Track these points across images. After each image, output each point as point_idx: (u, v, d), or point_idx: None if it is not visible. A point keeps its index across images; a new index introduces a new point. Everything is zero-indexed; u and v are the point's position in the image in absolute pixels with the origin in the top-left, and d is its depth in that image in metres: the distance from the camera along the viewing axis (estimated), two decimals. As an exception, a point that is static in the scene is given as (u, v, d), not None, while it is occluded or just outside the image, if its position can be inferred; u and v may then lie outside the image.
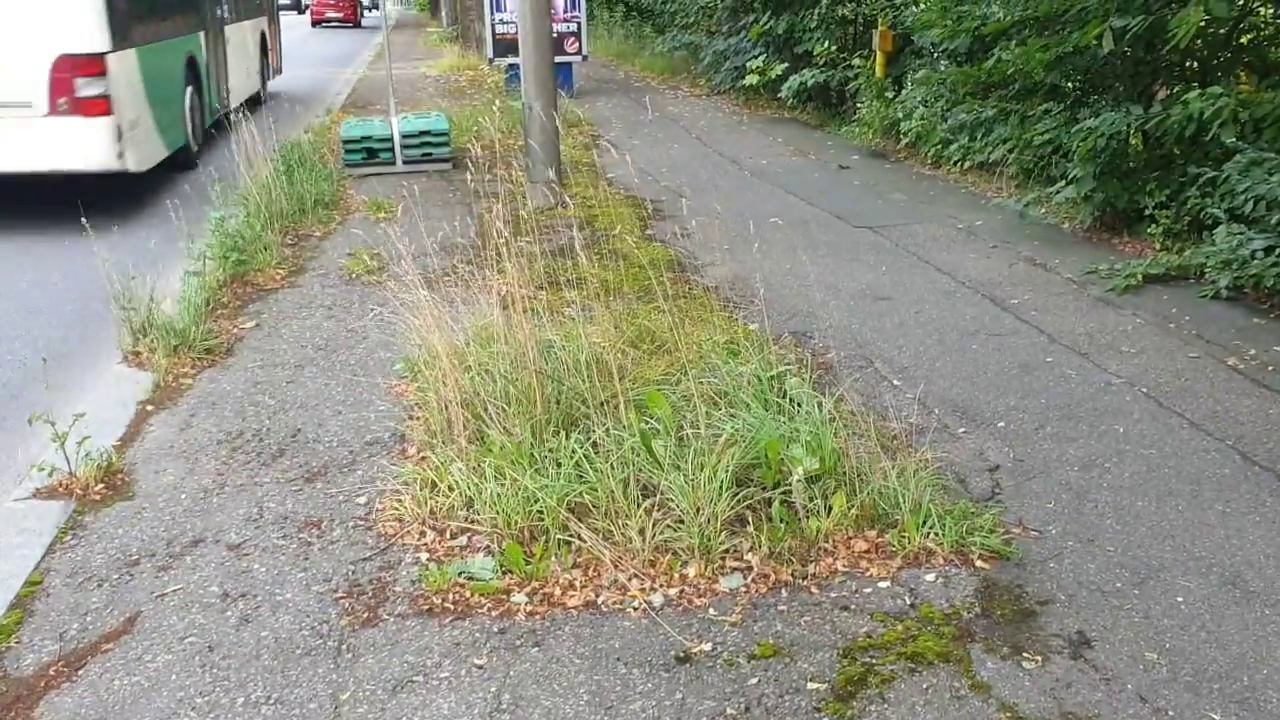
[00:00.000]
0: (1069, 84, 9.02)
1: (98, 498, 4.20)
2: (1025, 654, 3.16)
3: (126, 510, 4.11)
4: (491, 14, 16.21)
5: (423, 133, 10.64)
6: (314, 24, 42.98)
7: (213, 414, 4.97)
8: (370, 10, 50.31)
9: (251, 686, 3.09)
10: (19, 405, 5.11)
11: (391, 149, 10.56)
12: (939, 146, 10.68)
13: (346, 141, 10.54)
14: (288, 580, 3.63)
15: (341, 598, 3.53)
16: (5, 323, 6.41)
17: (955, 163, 10.34)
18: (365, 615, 3.44)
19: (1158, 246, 7.27)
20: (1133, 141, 7.84)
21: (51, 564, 3.75)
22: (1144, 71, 8.15)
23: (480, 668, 3.16)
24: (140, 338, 5.59)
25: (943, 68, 11.18)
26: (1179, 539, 3.78)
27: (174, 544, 3.87)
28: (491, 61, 17.02)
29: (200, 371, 5.47)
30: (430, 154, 10.65)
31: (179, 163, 10.31)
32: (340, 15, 43.66)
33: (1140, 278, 6.67)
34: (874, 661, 3.13)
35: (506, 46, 15.43)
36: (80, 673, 3.16)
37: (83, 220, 6.17)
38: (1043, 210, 8.48)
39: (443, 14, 36.84)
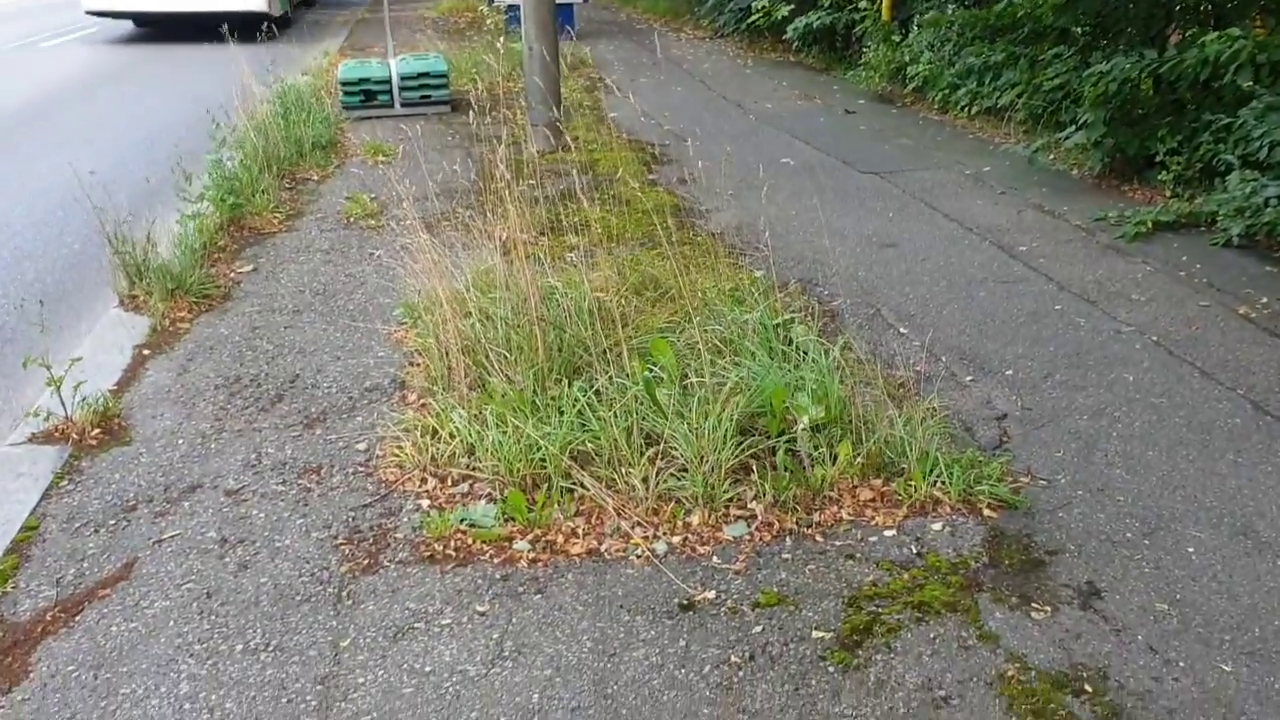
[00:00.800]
0: (1079, 28, 8.84)
1: (94, 443, 4.15)
2: (1034, 604, 3.12)
3: (123, 455, 4.07)
4: (491, -46, 15.91)
5: (421, 75, 10.47)
6: None
7: (210, 359, 4.90)
8: None
9: (250, 633, 3.06)
10: (14, 349, 5.05)
11: (390, 91, 10.40)
12: (946, 91, 10.50)
13: (344, 83, 10.36)
14: (287, 526, 3.59)
15: (341, 544, 3.49)
16: (1, 265, 6.32)
17: (963, 108, 10.18)
18: (366, 562, 3.40)
19: (1168, 194, 7.16)
20: (1144, 86, 7.69)
21: (48, 509, 3.71)
22: (1157, 14, 7.98)
23: (482, 614, 3.13)
24: (136, 281, 5.51)
25: (950, 11, 10.98)
26: (1189, 489, 3.74)
27: (171, 489, 3.82)
28: (491, 3, 16.75)
29: (198, 316, 5.40)
30: (429, 96, 10.49)
31: (283, 20, 15.81)
32: None
33: (1150, 225, 6.56)
34: (880, 610, 3.09)
35: (506, -13, 15.17)
36: (77, 619, 3.13)
37: (69, 164, 6.07)
38: (1051, 156, 8.35)
39: (442, -45, 36.22)
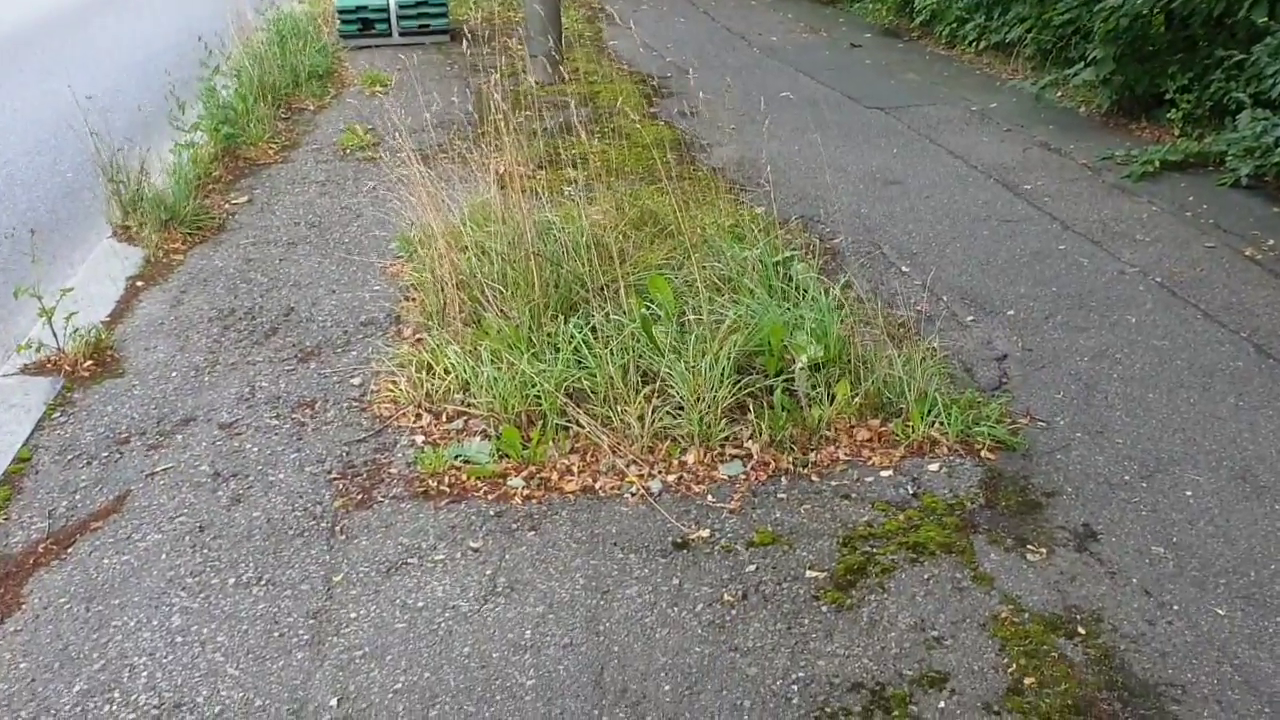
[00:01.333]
0: (1091, -39, 8.65)
1: (87, 374, 4.12)
2: (1030, 546, 3.11)
3: (116, 388, 4.04)
4: (492, -121, 15.53)
5: (420, 3, 10.27)
6: None
7: (204, 291, 4.86)
8: None
9: (243, 567, 3.05)
10: (5, 278, 5.00)
11: (388, 20, 10.21)
12: (954, 25, 10.31)
13: (341, 11, 10.18)
14: (280, 461, 3.57)
15: (335, 479, 3.47)
16: (-8, 195, 6.25)
17: (970, 43, 10.00)
18: (359, 497, 3.38)
19: (1177, 133, 7.05)
20: (1155, 22, 7.54)
21: (40, 440, 3.69)
22: (1173, -52, 7.80)
23: (475, 551, 3.12)
24: (130, 212, 5.44)
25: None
26: (1189, 432, 3.71)
27: (164, 422, 3.80)
28: (492, -70, 16.38)
29: (192, 248, 5.34)
30: (428, 25, 10.30)
31: None
32: None
33: (1157, 164, 6.47)
34: (874, 551, 3.08)
35: (508, -86, 14.83)
36: (69, 551, 3.12)
37: (69, 87, 5.97)
38: (1059, 93, 8.22)
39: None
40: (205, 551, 3.11)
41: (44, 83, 8.86)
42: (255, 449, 3.64)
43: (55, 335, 4.19)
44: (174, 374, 4.13)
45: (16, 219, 5.83)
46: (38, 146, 7.11)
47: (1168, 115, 7.19)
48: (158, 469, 3.52)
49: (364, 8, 10.14)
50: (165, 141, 6.42)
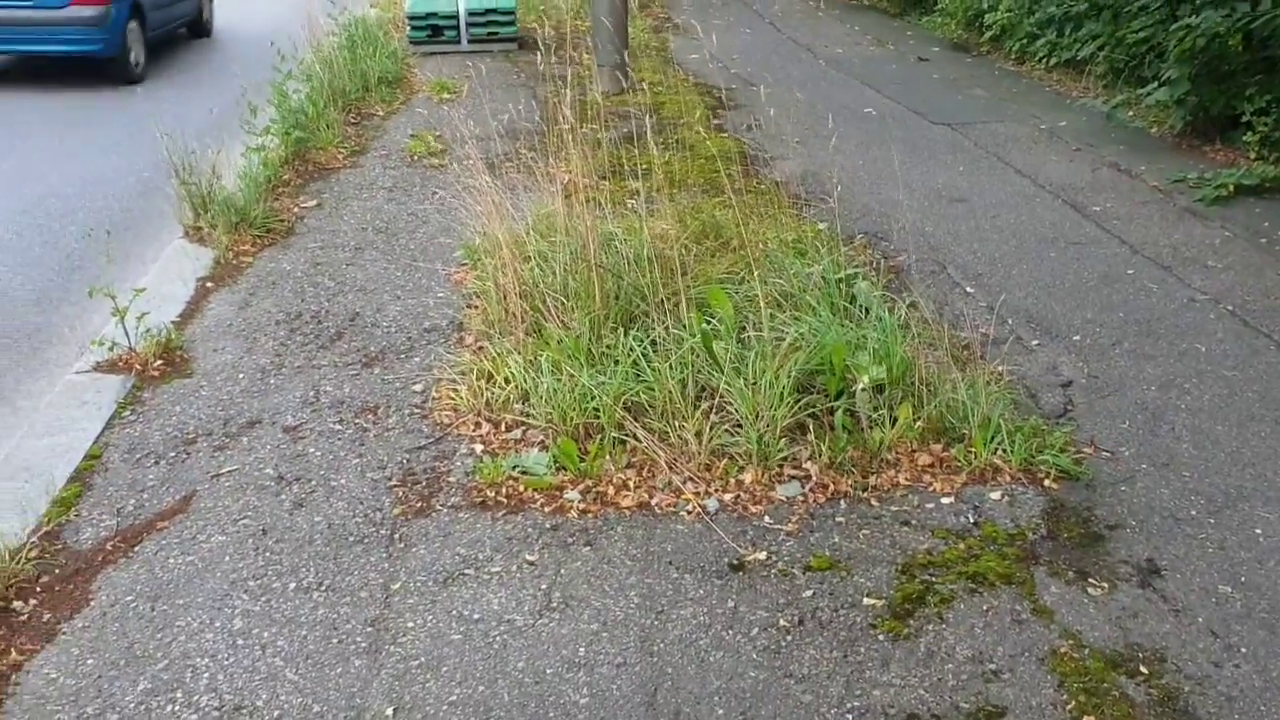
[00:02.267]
0: (1168, -23, 8.51)
1: (156, 374, 4.20)
2: (1091, 580, 3.06)
3: (185, 388, 4.12)
4: (563, -113, 15.63)
5: (489, 11, 10.37)
6: None
7: (272, 294, 4.94)
8: None
9: (304, 572, 3.09)
10: (81, 277, 5.12)
11: (457, 27, 10.33)
12: (1024, 41, 10.20)
13: (412, 17, 10.31)
14: (343, 466, 3.62)
15: (395, 486, 3.51)
16: (70, 192, 6.41)
17: (1040, 59, 9.88)
18: (418, 505, 3.42)
19: (1252, 156, 6.89)
20: (1233, 42, 7.39)
21: (110, 439, 3.77)
22: (1254, -34, 7.64)
23: (531, 564, 3.13)
24: (201, 213, 5.55)
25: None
26: (1260, 467, 3.62)
27: (231, 424, 3.87)
28: (561, -63, 16.48)
29: (261, 250, 5.44)
30: (496, 33, 10.40)
31: None
32: None
33: (1232, 188, 6.34)
34: (933, 579, 3.05)
35: (577, -78, 14.92)
36: (136, 549, 3.18)
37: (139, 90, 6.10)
38: (1131, 113, 8.08)
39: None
40: (267, 555, 3.16)
41: (120, 85, 9.06)
42: (318, 453, 3.69)
43: (127, 334, 4.29)
44: (241, 375, 4.20)
45: (92, 217, 5.97)
46: (115, 147, 7.28)
47: (1244, 138, 7.04)
48: (223, 470, 3.58)
49: (434, 14, 10.25)
50: (237, 144, 6.54)
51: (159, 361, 4.27)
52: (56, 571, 3.10)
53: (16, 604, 2.96)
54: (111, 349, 4.27)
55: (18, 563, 3.06)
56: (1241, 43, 7.24)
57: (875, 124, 7.85)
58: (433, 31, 10.30)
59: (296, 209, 6.01)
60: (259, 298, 4.89)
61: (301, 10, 8.75)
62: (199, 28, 11.75)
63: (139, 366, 4.23)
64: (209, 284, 5.03)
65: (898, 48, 11.14)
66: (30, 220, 5.96)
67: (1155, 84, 7.63)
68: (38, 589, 3.03)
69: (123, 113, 7.88)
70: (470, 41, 10.34)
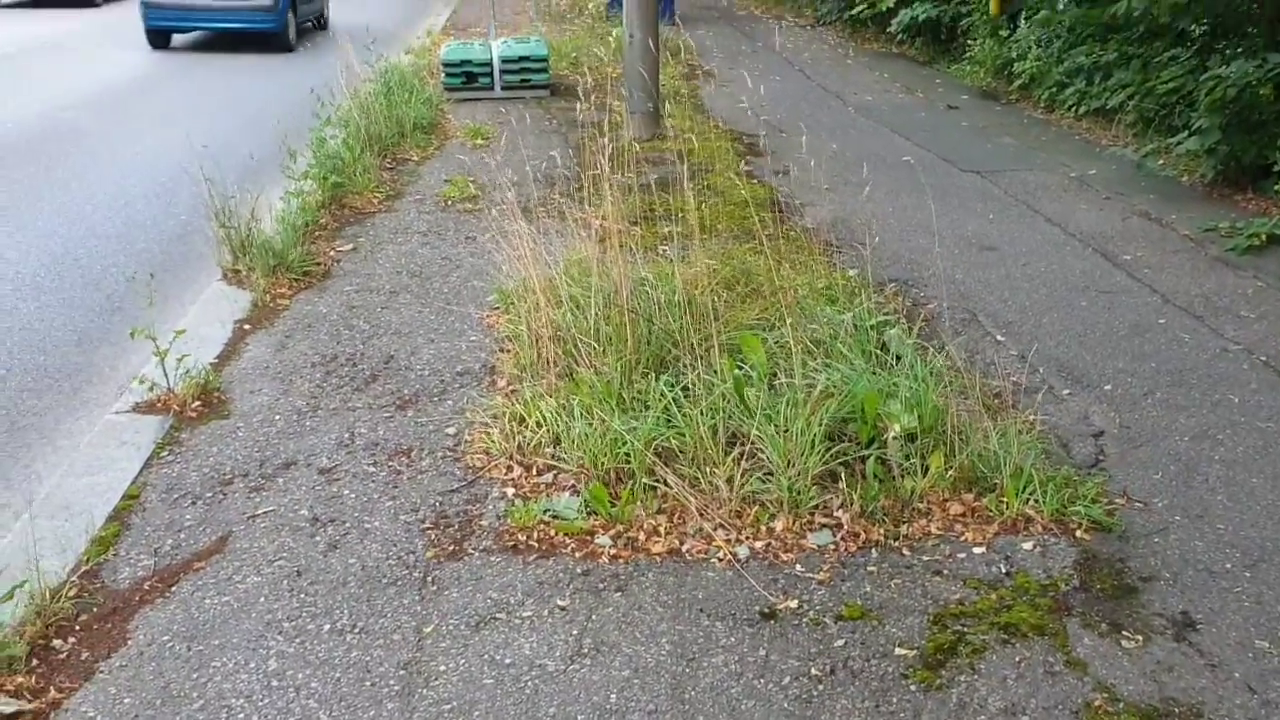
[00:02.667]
0: (1198, 27, 8.54)
1: (194, 415, 4.27)
2: (1125, 632, 3.04)
3: (222, 429, 4.17)
4: (595, -63, 15.91)
5: (522, 58, 10.54)
6: None
7: (308, 336, 5.01)
8: None
9: (338, 614, 3.12)
10: (121, 318, 5.22)
11: (491, 74, 10.48)
12: (1053, 90, 10.25)
13: (446, 65, 10.48)
14: (376, 508, 3.65)
15: (428, 529, 3.54)
16: (110, 235, 6.53)
17: (1070, 107, 9.92)
18: (451, 548, 3.44)
19: (1285, 205, 6.89)
20: (1264, 91, 7.40)
21: (148, 478, 3.83)
22: (1284, 16, 7.67)
23: (563, 609, 3.14)
24: (240, 256, 5.65)
25: (1062, 7, 10.69)
26: (1296, 520, 3.60)
27: (266, 465, 3.92)
28: (593, -15, 16.76)
29: (297, 293, 5.52)
30: (529, 80, 10.55)
31: None
32: None
33: (1264, 237, 6.32)
34: (965, 630, 3.04)
35: (609, -29, 15.16)
36: (173, 589, 3.22)
37: (187, 135, 6.23)
38: (1161, 162, 8.10)
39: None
40: (302, 596, 3.19)
41: (161, 130, 9.26)
42: (352, 495, 3.73)
43: (166, 375, 4.36)
44: (277, 417, 4.26)
45: (133, 260, 6.08)
46: (155, 191, 7.43)
47: (1275, 187, 7.04)
48: (259, 512, 3.63)
49: (468, 62, 10.42)
50: (275, 188, 6.66)
51: (197, 403, 4.33)
52: (95, 610, 3.14)
53: (56, 642, 3.00)
54: (151, 389, 4.34)
55: (58, 601, 3.10)
56: (1273, 92, 7.26)
57: (905, 171, 7.89)
58: (467, 78, 10.46)
59: (333, 253, 6.10)
60: (295, 340, 4.96)
61: (340, 58, 8.92)
62: (321, 22, 16.83)
63: (177, 407, 4.29)
64: (246, 326, 5.11)
65: (927, 95, 11.21)
66: (71, 260, 6.08)
67: (1186, 133, 7.65)
68: (77, 627, 3.07)
69: (164, 160, 8.05)
70: (504, 88, 10.50)
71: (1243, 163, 7.38)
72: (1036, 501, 3.57)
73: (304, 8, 15.10)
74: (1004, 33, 11.66)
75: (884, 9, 14.18)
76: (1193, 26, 8.44)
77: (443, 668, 2.91)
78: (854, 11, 14.77)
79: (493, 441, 4.02)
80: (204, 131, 8.58)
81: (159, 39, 14.26)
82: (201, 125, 9.20)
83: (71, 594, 3.16)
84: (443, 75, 10.50)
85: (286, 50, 14.14)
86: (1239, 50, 7.78)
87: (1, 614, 3.00)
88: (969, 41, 12.40)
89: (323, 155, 7.06)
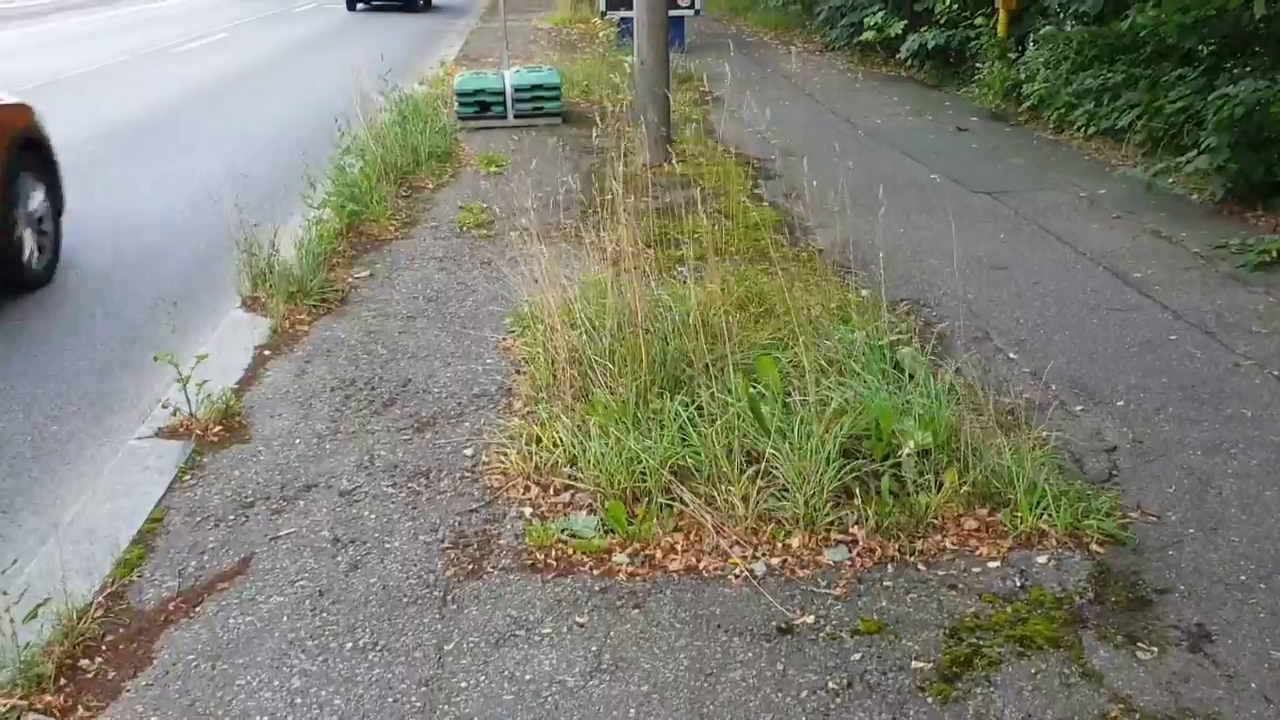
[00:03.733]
0: (1205, 47, 8.59)
1: (216, 439, 4.33)
2: (1140, 644, 3.06)
3: (243, 453, 4.23)
4: (605, -34, 16.08)
5: (534, 86, 10.65)
6: None
7: (327, 361, 5.07)
8: None
9: (360, 632, 3.16)
10: (142, 346, 5.29)
11: (504, 102, 10.59)
12: (1062, 110, 10.29)
13: (460, 94, 10.60)
14: (396, 529, 3.70)
15: (448, 548, 3.58)
16: (131, 264, 6.62)
17: (1079, 128, 9.96)
18: (470, 567, 3.48)
19: (1295, 222, 6.92)
20: (1274, 110, 7.44)
21: (172, 502, 3.88)
22: (1291, 36, 7.72)
23: (581, 626, 3.18)
24: (259, 284, 5.73)
25: (1069, 28, 10.76)
26: (1310, 532, 3.61)
27: (288, 488, 3.97)
28: (604, 15, 16.88)
29: (316, 319, 5.59)
30: (541, 108, 10.66)
31: None
32: None
33: (1275, 254, 6.34)
34: (981, 643, 3.06)
35: (619, 0, 15.31)
36: (197, 610, 3.27)
37: (216, 161, 6.32)
38: (1171, 180, 8.13)
39: (557, -35, 36.77)
40: (324, 615, 3.24)
41: (181, 159, 9.40)
42: (373, 516, 3.78)
43: (189, 400, 4.42)
44: (297, 441, 4.32)
45: (155, 289, 6.16)
46: (176, 218, 7.53)
47: (1286, 204, 7.06)
48: (281, 533, 3.68)
49: (482, 91, 10.54)
50: (293, 216, 6.75)
51: (218, 428, 4.39)
52: (121, 631, 3.19)
53: (83, 662, 3.05)
54: (174, 415, 4.40)
55: (84, 622, 3.15)
56: (1282, 109, 7.29)
57: (915, 193, 7.95)
58: (480, 107, 10.57)
59: (350, 279, 6.18)
60: (315, 365, 5.03)
61: (356, 87, 9.03)
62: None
63: (199, 432, 4.35)
64: (266, 352, 5.18)
65: (936, 118, 11.28)
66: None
67: (1195, 152, 7.68)
68: (103, 647, 3.12)
69: (184, 188, 8.16)
70: (517, 116, 10.61)
71: (1252, 180, 7.41)
72: (1050, 516, 3.59)
73: None
74: (1012, 55, 11.73)
75: (893, 35, 14.28)
76: (1200, 46, 8.49)
77: (463, 684, 2.94)
78: (863, 37, 14.86)
79: (510, 462, 4.06)
80: (222, 160, 8.71)
81: None
82: (220, 153, 9.34)
83: (98, 615, 3.22)
84: (456, 104, 10.62)
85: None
86: (1247, 69, 7.83)
87: (29, 634, 3.05)
88: (977, 64, 12.47)
89: (341, 183, 7.15)
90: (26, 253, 6.01)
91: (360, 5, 26.26)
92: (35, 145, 6.33)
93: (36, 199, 6.18)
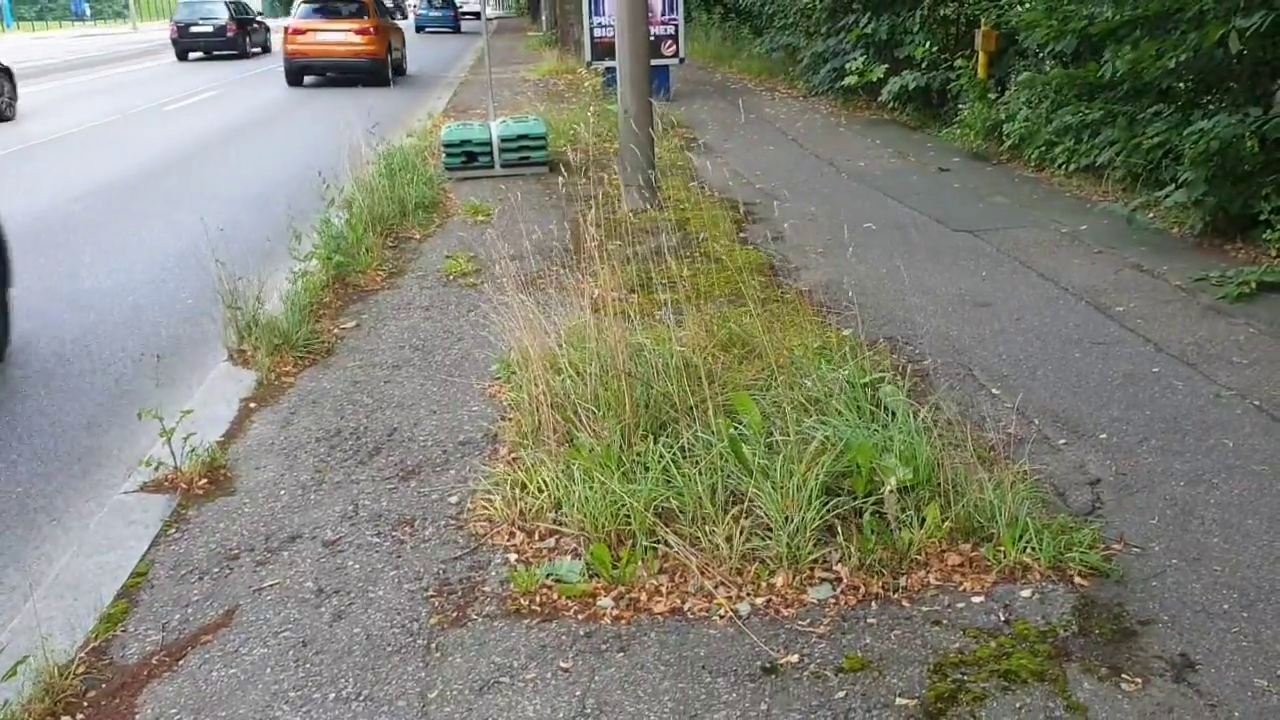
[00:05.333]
0: (1182, 83, 8.72)
1: (201, 492, 4.33)
2: (1125, 675, 3.05)
3: (228, 505, 4.23)
4: (590, 17, 16.31)
5: (520, 136, 10.76)
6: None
7: (313, 412, 5.08)
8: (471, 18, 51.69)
9: (343, 682, 3.15)
10: (129, 400, 5.30)
11: (490, 153, 10.70)
12: (1043, 149, 10.42)
13: (447, 145, 10.71)
14: (380, 578, 3.69)
15: (432, 596, 3.58)
16: (119, 320, 6.65)
17: (1060, 166, 10.08)
18: (454, 614, 3.48)
19: (1274, 253, 6.98)
20: (1249, 144, 7.54)
21: (156, 556, 3.88)
22: (1263, 71, 7.83)
23: (565, 671, 3.17)
24: (246, 336, 5.75)
25: (1048, 69, 10.91)
26: (1292, 560, 3.62)
27: (272, 539, 3.97)
28: (589, 65, 17.12)
29: (302, 370, 5.61)
30: (528, 158, 10.76)
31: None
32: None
33: (1254, 285, 6.41)
34: (966, 678, 3.06)
35: (604, 50, 15.53)
36: (181, 663, 3.26)
37: (197, 219, 6.37)
38: (1151, 215, 8.22)
39: (542, 18, 37.30)
40: (308, 666, 3.23)
41: (168, 214, 9.47)
42: (357, 566, 3.77)
43: (173, 454, 4.43)
44: (282, 492, 4.32)
45: (141, 343, 6.19)
46: (162, 275, 7.57)
47: (1264, 236, 7.14)
48: (265, 585, 3.67)
49: (468, 141, 10.65)
50: (279, 269, 6.79)
51: (204, 480, 4.40)
52: (103, 686, 3.17)
53: (64, 719, 3.03)
54: (158, 469, 4.41)
55: (66, 679, 3.14)
56: (1258, 143, 7.39)
57: (898, 233, 8.02)
58: (467, 158, 10.68)
59: (336, 330, 6.21)
60: (300, 416, 5.04)
61: (344, 140, 9.12)
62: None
63: (184, 486, 4.36)
64: (252, 404, 5.19)
65: (918, 159, 11.40)
66: (80, 344, 6.20)
67: (1173, 186, 7.77)
68: (85, 704, 3.10)
69: (171, 243, 8.21)
70: (503, 166, 10.71)
71: (1230, 213, 7.49)
72: (1033, 550, 3.60)
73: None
74: (992, 96, 11.88)
75: (874, 79, 14.47)
76: (1176, 83, 8.61)
77: (447, 731, 2.93)
78: (845, 82, 15.05)
79: (495, 508, 4.06)
80: (210, 215, 8.77)
81: None
82: (208, 209, 9.40)
83: (80, 671, 3.20)
84: (443, 155, 10.73)
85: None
86: (1221, 105, 7.94)
87: (8, 692, 3.04)
88: (959, 106, 12.62)
89: (327, 235, 7.21)
90: None
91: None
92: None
93: None
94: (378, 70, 22.16)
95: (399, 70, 24.36)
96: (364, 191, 8.46)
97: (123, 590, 3.66)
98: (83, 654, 3.29)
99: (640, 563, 3.64)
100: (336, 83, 22.51)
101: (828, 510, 3.68)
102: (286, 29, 22.93)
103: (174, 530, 4.05)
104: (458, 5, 50.67)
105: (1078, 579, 3.52)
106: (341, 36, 22.07)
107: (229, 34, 31.08)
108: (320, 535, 3.98)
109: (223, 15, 30.97)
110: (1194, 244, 7.64)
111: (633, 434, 4.20)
